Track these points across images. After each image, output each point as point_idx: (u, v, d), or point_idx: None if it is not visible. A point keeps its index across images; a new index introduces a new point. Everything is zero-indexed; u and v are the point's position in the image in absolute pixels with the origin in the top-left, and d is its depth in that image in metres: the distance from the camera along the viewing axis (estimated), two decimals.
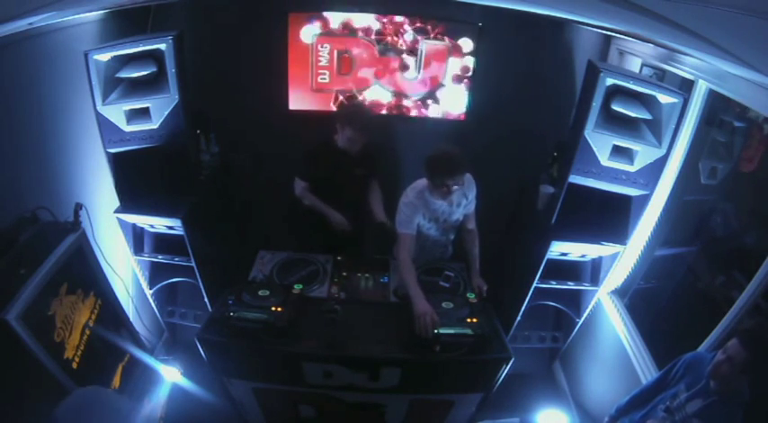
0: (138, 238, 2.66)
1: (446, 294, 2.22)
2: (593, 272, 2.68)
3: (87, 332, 1.96)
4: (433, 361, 2.04)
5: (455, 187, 2.17)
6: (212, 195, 2.77)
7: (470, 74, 3.03)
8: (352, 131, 2.34)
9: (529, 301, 2.67)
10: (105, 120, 2.26)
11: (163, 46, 2.18)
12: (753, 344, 1.55)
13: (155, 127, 2.31)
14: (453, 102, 3.11)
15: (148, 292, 2.84)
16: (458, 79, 3.06)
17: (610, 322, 2.64)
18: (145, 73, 2.21)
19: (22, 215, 1.87)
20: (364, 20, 2.94)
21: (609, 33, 2.73)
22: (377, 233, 2.51)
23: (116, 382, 2.16)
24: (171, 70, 2.21)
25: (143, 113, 2.29)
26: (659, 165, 2.24)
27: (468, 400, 2.27)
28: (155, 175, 2.46)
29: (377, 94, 3.11)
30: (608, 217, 2.41)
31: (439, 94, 3.12)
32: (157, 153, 2.38)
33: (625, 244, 2.44)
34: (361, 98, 3.11)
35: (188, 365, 2.53)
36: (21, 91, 1.95)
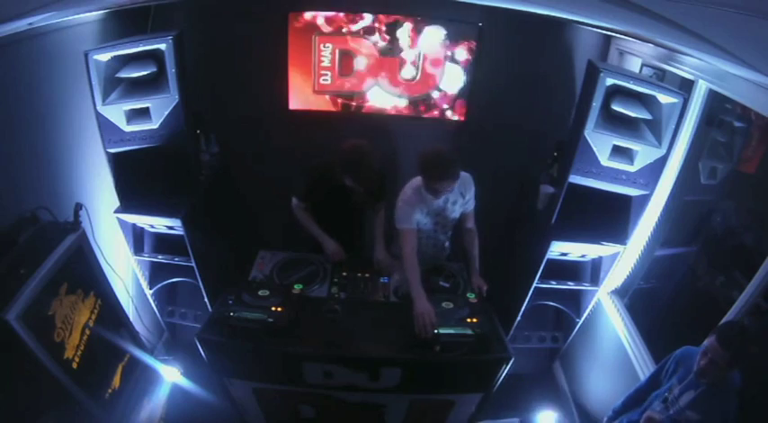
0: (138, 238, 2.66)
1: (446, 294, 2.22)
2: (593, 272, 2.68)
3: (87, 332, 1.96)
4: (433, 361, 2.04)
5: (446, 190, 2.18)
6: (212, 195, 2.77)
7: (470, 74, 3.02)
8: (352, 182, 2.25)
9: (529, 301, 2.68)
10: (105, 120, 2.26)
11: (163, 46, 2.18)
12: (732, 343, 1.58)
13: (155, 127, 2.31)
14: (453, 101, 3.11)
15: (148, 292, 2.84)
16: (457, 79, 3.05)
17: (610, 322, 2.64)
18: (145, 73, 2.21)
19: (22, 215, 1.87)
20: (366, 19, 2.92)
21: (609, 33, 2.73)
22: (374, 267, 2.46)
23: (116, 382, 2.16)
24: (171, 70, 2.21)
25: (143, 113, 2.29)
26: (659, 165, 2.25)
27: (468, 400, 2.27)
28: (155, 175, 2.46)
29: (377, 96, 3.08)
30: (608, 217, 2.41)
31: (438, 93, 3.09)
32: (157, 153, 2.38)
33: (625, 244, 2.44)
34: (362, 101, 3.08)
35: (188, 365, 2.54)
36: (21, 91, 1.95)
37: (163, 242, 2.69)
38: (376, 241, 2.53)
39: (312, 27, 2.93)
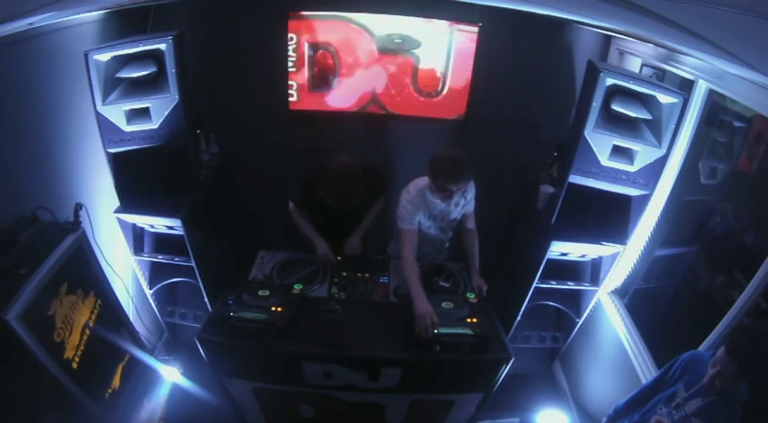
0: (138, 238, 2.66)
1: (446, 294, 2.22)
2: (593, 272, 2.68)
3: (87, 332, 1.96)
4: (433, 361, 2.04)
5: (457, 192, 2.16)
6: (212, 195, 2.77)
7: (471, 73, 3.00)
8: (331, 201, 2.16)
9: (529, 301, 2.68)
10: (105, 120, 2.26)
11: (163, 46, 2.18)
12: (740, 354, 1.56)
13: (155, 127, 2.31)
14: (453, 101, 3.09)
15: (148, 292, 2.84)
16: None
17: (610, 322, 2.64)
18: (145, 73, 2.21)
19: (22, 215, 1.87)
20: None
21: (609, 33, 2.72)
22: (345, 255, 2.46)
23: (116, 382, 2.16)
24: (171, 70, 2.22)
25: (143, 113, 2.29)
26: (659, 165, 2.25)
27: (468, 400, 2.27)
28: (155, 175, 2.46)
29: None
30: (608, 217, 2.41)
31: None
32: (157, 153, 2.38)
33: (625, 244, 2.44)
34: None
35: (188, 365, 2.54)
36: (21, 91, 1.95)
37: (163, 242, 2.69)
38: (358, 229, 2.50)
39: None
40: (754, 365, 1.57)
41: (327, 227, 2.50)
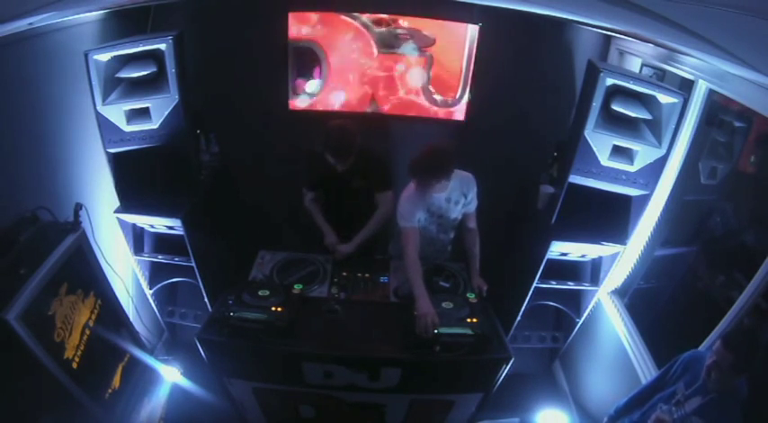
0: (138, 238, 2.66)
1: (446, 294, 2.22)
2: (593, 272, 2.68)
3: (87, 332, 1.96)
4: (433, 361, 2.04)
5: (436, 185, 2.17)
6: (212, 195, 2.77)
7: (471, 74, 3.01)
8: (331, 158, 2.30)
9: (529, 301, 2.68)
10: (105, 120, 2.26)
11: (163, 46, 2.18)
12: (735, 346, 1.56)
13: (155, 127, 2.31)
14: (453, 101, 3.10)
15: (148, 292, 2.84)
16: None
17: (610, 322, 2.64)
18: (145, 73, 2.21)
19: (22, 215, 1.86)
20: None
21: (609, 33, 2.73)
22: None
23: (116, 382, 2.16)
24: (171, 70, 2.22)
25: (143, 113, 2.29)
26: (659, 165, 2.25)
27: (468, 400, 2.27)
28: (155, 175, 2.46)
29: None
30: (608, 217, 2.41)
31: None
32: (157, 153, 2.38)
33: (625, 244, 2.44)
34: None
35: (188, 365, 2.54)
36: (21, 91, 1.95)
37: (163, 242, 2.69)
38: (361, 231, 2.51)
39: None
40: (750, 357, 1.57)
41: (336, 218, 2.54)
